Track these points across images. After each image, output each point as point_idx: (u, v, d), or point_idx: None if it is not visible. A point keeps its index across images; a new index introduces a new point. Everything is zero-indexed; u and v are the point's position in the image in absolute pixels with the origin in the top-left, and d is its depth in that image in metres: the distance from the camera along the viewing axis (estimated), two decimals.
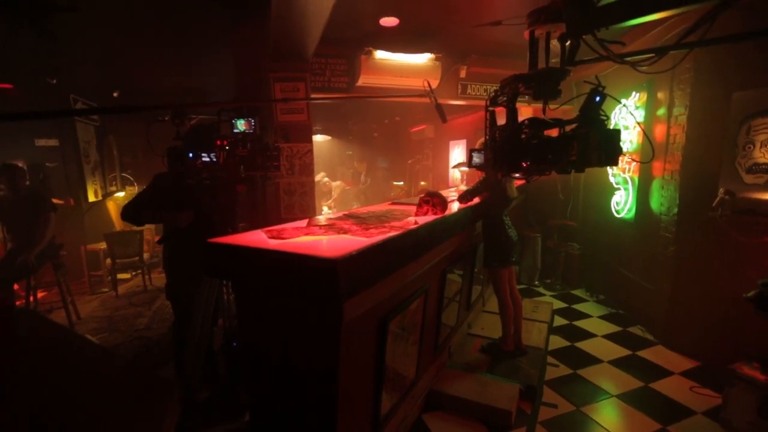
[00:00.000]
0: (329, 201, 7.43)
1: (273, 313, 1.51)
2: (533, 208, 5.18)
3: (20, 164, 5.00)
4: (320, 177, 7.71)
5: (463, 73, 4.58)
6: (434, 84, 4.19)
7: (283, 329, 1.49)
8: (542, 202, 5.13)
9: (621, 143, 1.99)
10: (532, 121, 1.60)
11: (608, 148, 1.54)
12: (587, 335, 3.64)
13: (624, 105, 4.06)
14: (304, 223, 1.97)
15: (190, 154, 2.28)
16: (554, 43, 1.71)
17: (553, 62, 1.72)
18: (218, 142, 2.27)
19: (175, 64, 4.37)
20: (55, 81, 4.37)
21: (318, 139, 8.85)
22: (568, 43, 1.59)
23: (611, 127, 2.34)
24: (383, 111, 7.97)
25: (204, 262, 1.55)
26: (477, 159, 2.33)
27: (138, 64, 4.39)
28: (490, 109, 1.85)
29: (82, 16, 3.06)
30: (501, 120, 1.81)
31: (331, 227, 1.81)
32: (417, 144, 9.59)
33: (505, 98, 1.77)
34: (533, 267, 4.95)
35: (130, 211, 2.30)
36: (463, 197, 2.75)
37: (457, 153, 7.74)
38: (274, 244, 1.48)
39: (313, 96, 3.84)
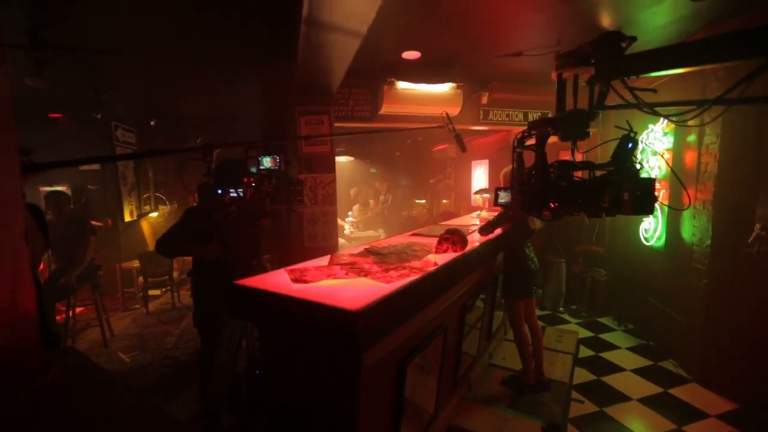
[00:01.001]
0: (354, 219, 7.50)
1: (293, 355, 1.54)
2: (558, 232, 5.07)
3: (65, 188, 5.34)
4: (355, 191, 7.86)
5: (484, 100, 4.60)
6: (455, 111, 4.22)
7: (303, 372, 1.52)
8: (567, 226, 5.02)
9: (655, 191, 1.94)
10: (561, 164, 1.59)
11: (643, 198, 1.50)
12: (615, 369, 3.49)
13: (651, 130, 3.96)
14: (325, 260, 1.99)
15: (219, 191, 2.36)
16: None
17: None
18: (245, 180, 2.34)
19: (208, 91, 4.60)
20: (99, 116, 4.68)
21: (341, 160, 9.01)
22: (596, 86, 1.59)
23: (645, 176, 2.28)
24: (406, 132, 8.07)
25: (229, 303, 1.60)
26: (503, 199, 2.33)
27: (175, 93, 4.64)
28: (518, 150, 1.85)
29: (127, 54, 3.29)
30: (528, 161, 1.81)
31: (352, 268, 1.83)
32: (439, 163, 9.59)
33: (533, 141, 1.77)
34: (558, 293, 4.82)
35: (164, 246, 2.42)
36: (484, 229, 2.74)
37: (480, 173, 7.69)
38: (296, 289, 1.51)
39: (336, 125, 3.94)
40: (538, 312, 4.33)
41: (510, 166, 2.83)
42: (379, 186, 8.13)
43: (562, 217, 1.66)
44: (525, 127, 1.83)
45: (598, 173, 1.60)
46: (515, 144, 1.87)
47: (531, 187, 1.70)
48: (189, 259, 6.43)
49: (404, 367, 1.67)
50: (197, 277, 2.52)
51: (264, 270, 2.34)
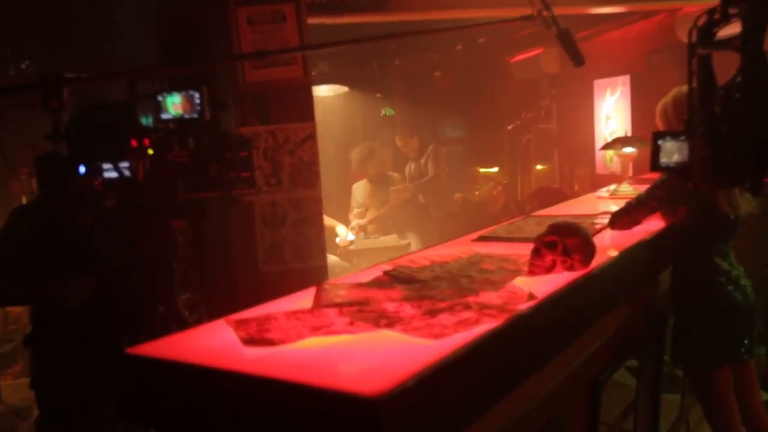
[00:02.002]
0: (361, 219, 7.48)
1: None
2: None
3: None
4: (361, 155, 7.84)
5: None
6: None
7: None
8: None
9: None
10: None
11: None
12: None
13: None
14: (308, 298, 2.01)
15: (82, 168, 2.41)
16: None
17: None
18: (133, 143, 2.39)
19: None
20: None
21: (322, 92, 9.03)
22: None
23: None
24: (453, 32, 8.01)
25: (118, 396, 1.64)
26: (674, 153, 2.31)
27: None
28: (700, 52, 1.84)
29: None
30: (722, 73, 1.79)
31: (361, 311, 1.84)
32: (524, 88, 9.56)
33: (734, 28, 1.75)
34: None
35: None
36: (621, 218, 2.79)
37: (610, 105, 7.63)
38: (253, 359, 1.53)
39: (312, 23, 3.96)
40: (765, 395, 4.28)
41: (680, 88, 2.81)
42: (406, 143, 8.06)
43: None
44: (711, 3, 1.81)
45: None
46: (694, 39, 1.86)
47: (734, 128, 1.69)
48: (19, 310, 6.48)
49: None
50: (44, 347, 2.58)
51: (182, 323, 2.37)
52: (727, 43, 1.80)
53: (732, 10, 1.81)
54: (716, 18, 1.86)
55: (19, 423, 5.15)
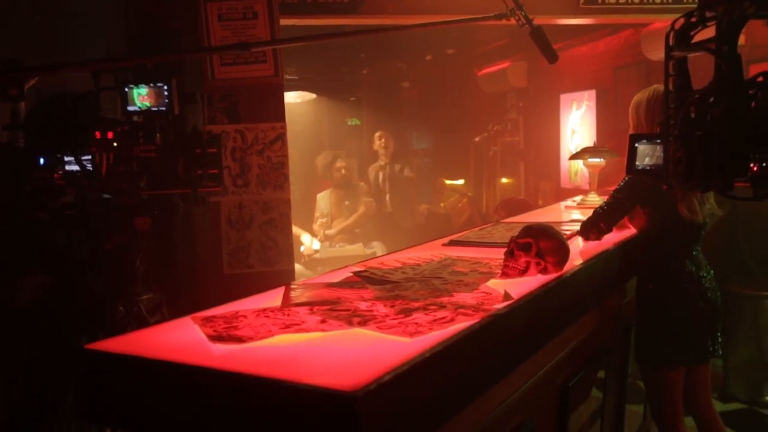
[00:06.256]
0: (325, 229, 7.42)
1: None
2: (753, 236, 5.08)
3: None
4: (326, 159, 7.76)
5: None
6: None
7: None
8: None
9: None
10: None
11: None
12: None
13: None
14: (277, 297, 2.00)
15: (41, 159, 2.37)
16: None
17: None
18: (96, 135, 2.35)
19: None
20: None
21: (290, 99, 8.99)
22: None
23: None
24: (422, 37, 8.07)
25: (75, 394, 1.60)
26: (650, 156, 2.34)
27: None
28: (677, 54, 1.85)
29: None
30: (696, 79, 1.80)
31: (332, 309, 1.83)
32: (491, 101, 9.66)
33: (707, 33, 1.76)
34: (759, 363, 4.84)
35: None
36: (589, 226, 2.80)
37: (576, 119, 7.73)
38: (221, 355, 1.50)
39: (284, 25, 3.97)
40: (720, 406, 4.32)
41: (657, 87, 2.84)
42: (385, 144, 7.89)
43: None
44: (677, 15, 1.83)
45: None
46: (672, 41, 1.87)
47: (708, 131, 1.70)
48: None
49: None
50: None
51: (143, 324, 2.33)
52: (702, 46, 1.81)
53: (708, 14, 1.83)
54: (693, 21, 1.88)
55: None
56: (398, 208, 7.69)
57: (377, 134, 7.99)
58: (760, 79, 1.62)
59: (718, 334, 2.98)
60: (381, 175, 7.90)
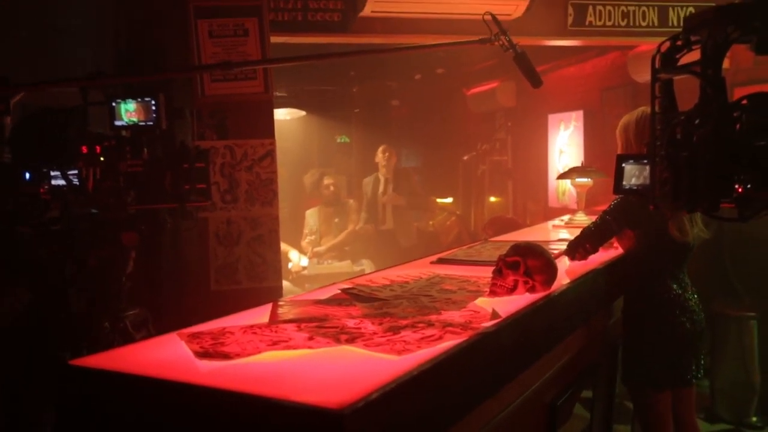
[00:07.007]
0: (314, 246, 7.37)
1: None
2: (738, 257, 5.10)
3: None
4: (312, 177, 7.70)
5: None
6: (516, 10, 4.25)
7: None
8: (757, 244, 5.05)
9: None
10: (759, 100, 1.60)
11: None
12: None
13: None
14: (265, 313, 1.99)
15: (27, 175, 2.36)
16: None
17: None
18: (83, 150, 2.35)
19: None
20: None
21: (279, 116, 8.99)
22: None
23: None
24: (412, 57, 8.12)
25: (58, 411, 1.60)
26: (636, 176, 2.35)
27: None
28: (661, 76, 1.87)
29: None
30: (683, 101, 1.82)
31: (320, 326, 1.82)
32: (480, 121, 9.71)
33: (693, 56, 1.78)
34: (745, 384, 4.85)
35: None
36: (575, 245, 2.81)
37: (564, 139, 7.78)
38: (208, 371, 1.50)
39: (275, 42, 3.97)
40: (706, 427, 4.32)
41: (644, 109, 2.86)
42: (388, 157, 7.70)
43: (758, 214, 1.67)
44: (662, 39, 1.85)
45: None
46: (658, 64, 1.89)
47: (694, 152, 1.71)
48: None
49: None
50: None
51: (128, 340, 2.31)
52: (688, 68, 1.83)
53: (693, 38, 1.85)
54: (678, 44, 1.90)
55: None
56: (399, 226, 7.61)
57: (381, 147, 7.90)
58: (744, 101, 1.64)
59: (702, 356, 3.01)
60: (383, 188, 7.71)
